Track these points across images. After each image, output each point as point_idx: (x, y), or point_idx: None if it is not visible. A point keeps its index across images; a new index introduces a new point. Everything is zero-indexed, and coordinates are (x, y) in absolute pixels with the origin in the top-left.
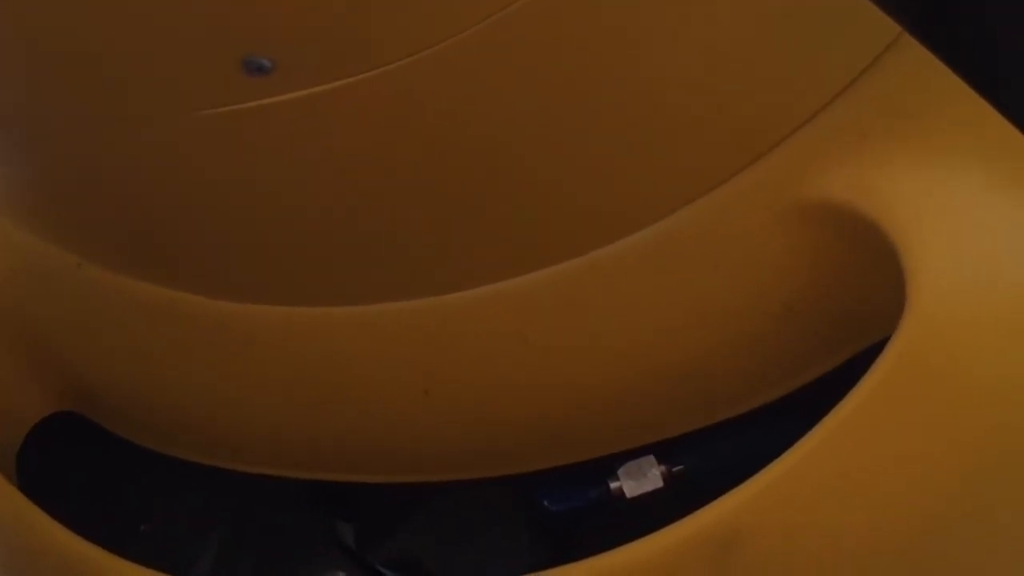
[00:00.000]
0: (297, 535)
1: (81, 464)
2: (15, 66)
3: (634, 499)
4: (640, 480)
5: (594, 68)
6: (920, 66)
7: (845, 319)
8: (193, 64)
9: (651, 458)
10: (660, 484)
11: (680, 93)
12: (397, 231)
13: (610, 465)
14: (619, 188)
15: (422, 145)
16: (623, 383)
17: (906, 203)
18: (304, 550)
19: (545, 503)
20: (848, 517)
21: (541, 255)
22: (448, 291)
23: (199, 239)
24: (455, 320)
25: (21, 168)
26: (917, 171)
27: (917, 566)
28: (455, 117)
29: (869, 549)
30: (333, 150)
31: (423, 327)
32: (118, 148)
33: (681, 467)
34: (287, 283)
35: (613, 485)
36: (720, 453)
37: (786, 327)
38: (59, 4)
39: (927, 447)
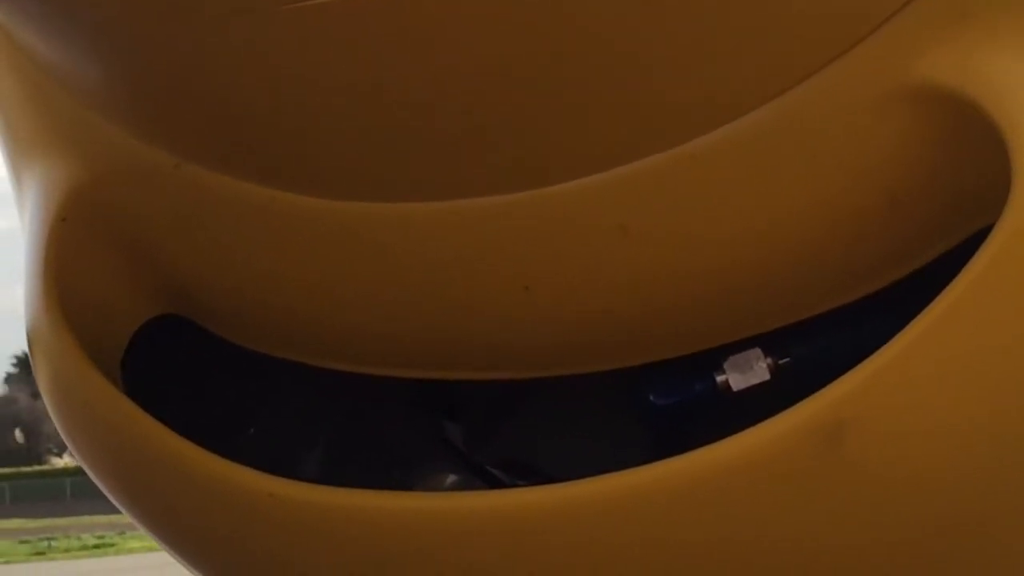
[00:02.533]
0: (405, 436)
1: (185, 367)
2: None
3: (740, 392)
4: (746, 373)
5: None
6: None
7: (950, 205)
8: None
9: (757, 350)
10: (767, 377)
11: None
12: (496, 122)
13: (716, 358)
14: (718, 74)
15: (519, 32)
16: (726, 274)
17: (1010, 84)
18: (412, 451)
19: (651, 397)
20: (954, 403)
21: (641, 145)
22: (548, 183)
23: (296, 135)
24: (555, 213)
25: (121, 69)
26: (1022, 51)
27: None
28: (538, 5)
29: (976, 434)
30: (428, 42)
31: (523, 221)
32: (213, 45)
33: (788, 359)
34: (386, 178)
35: (719, 378)
36: (826, 344)
37: (890, 214)
38: None
39: None
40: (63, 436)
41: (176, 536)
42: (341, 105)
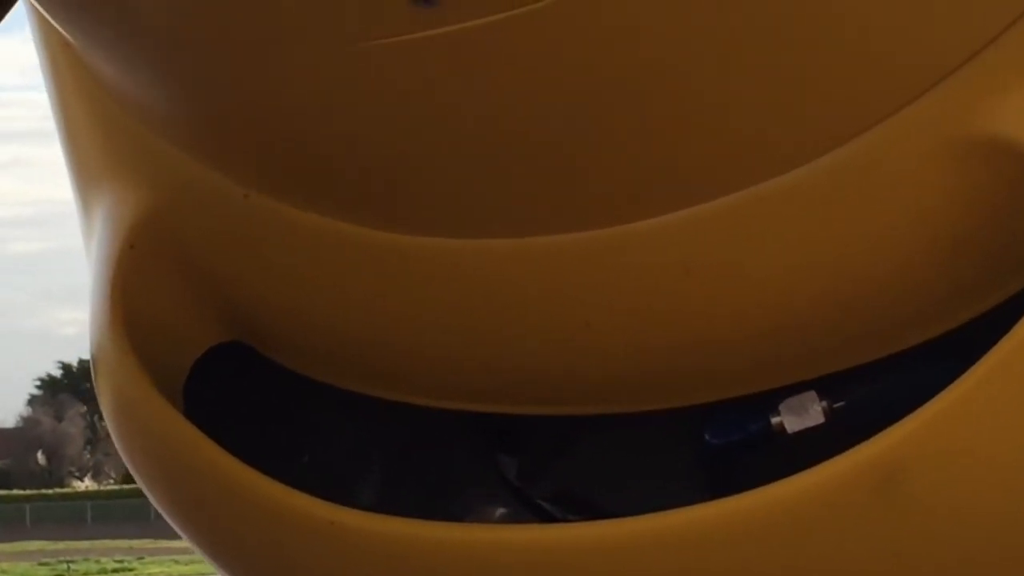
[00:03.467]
0: (459, 468)
1: (246, 394)
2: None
3: (795, 434)
4: (801, 415)
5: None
6: None
7: (1010, 254)
8: None
9: (812, 393)
10: (821, 419)
11: (851, 21)
12: (564, 162)
13: (772, 400)
14: (787, 119)
15: (591, 75)
16: (786, 316)
17: None
18: (466, 483)
19: (707, 436)
20: (1010, 449)
21: (706, 187)
22: (613, 223)
23: (366, 170)
24: (619, 252)
25: (195, 96)
26: None
27: None
28: (622, 45)
29: None
30: (498, 83)
31: (587, 259)
32: (289, 76)
33: (843, 403)
34: (453, 214)
35: (774, 420)
36: (883, 389)
37: (951, 262)
38: None
39: None
40: (124, 458)
41: (232, 559)
42: (416, 142)
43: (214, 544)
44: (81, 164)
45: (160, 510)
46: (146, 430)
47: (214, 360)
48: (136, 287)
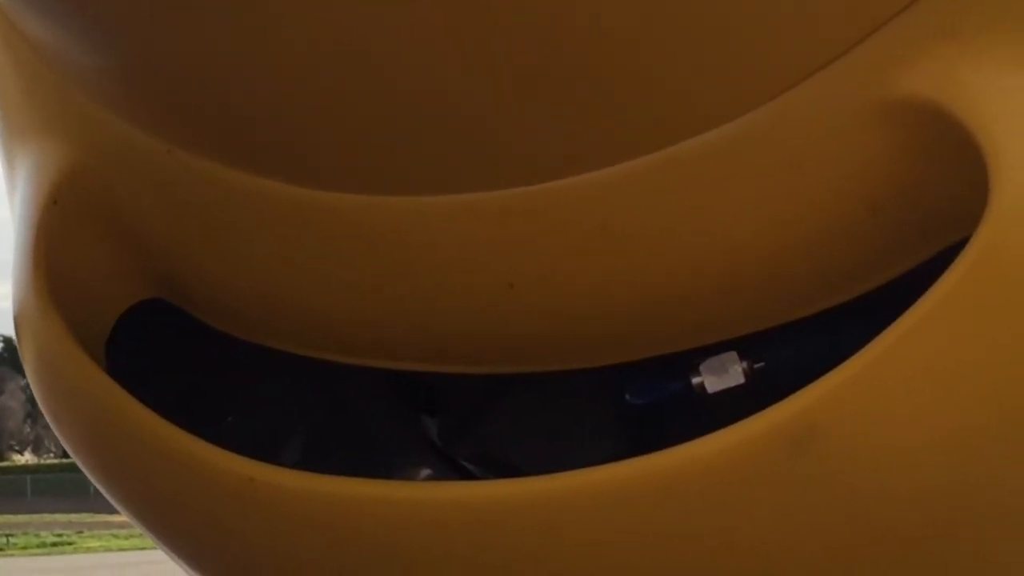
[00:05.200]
0: (383, 428)
1: (169, 352)
2: None
3: (715, 394)
4: (721, 375)
5: None
6: None
7: (928, 216)
8: None
9: (733, 354)
10: (741, 380)
11: None
12: (483, 119)
13: (692, 360)
14: (705, 80)
15: (509, 30)
16: (705, 277)
17: (991, 101)
18: (389, 444)
19: (627, 396)
20: (923, 413)
21: (628, 147)
22: (533, 182)
23: (284, 125)
24: (540, 211)
25: (115, 53)
26: (1005, 70)
27: (994, 461)
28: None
29: (945, 445)
30: (416, 34)
31: (508, 218)
32: (211, 28)
33: (762, 363)
34: (374, 170)
35: (695, 380)
36: (802, 350)
37: (869, 224)
38: None
39: (1007, 343)
40: (47, 416)
41: (155, 518)
42: (334, 96)
43: (137, 504)
44: (5, 121)
45: (83, 468)
46: (69, 387)
47: (137, 317)
48: (59, 244)
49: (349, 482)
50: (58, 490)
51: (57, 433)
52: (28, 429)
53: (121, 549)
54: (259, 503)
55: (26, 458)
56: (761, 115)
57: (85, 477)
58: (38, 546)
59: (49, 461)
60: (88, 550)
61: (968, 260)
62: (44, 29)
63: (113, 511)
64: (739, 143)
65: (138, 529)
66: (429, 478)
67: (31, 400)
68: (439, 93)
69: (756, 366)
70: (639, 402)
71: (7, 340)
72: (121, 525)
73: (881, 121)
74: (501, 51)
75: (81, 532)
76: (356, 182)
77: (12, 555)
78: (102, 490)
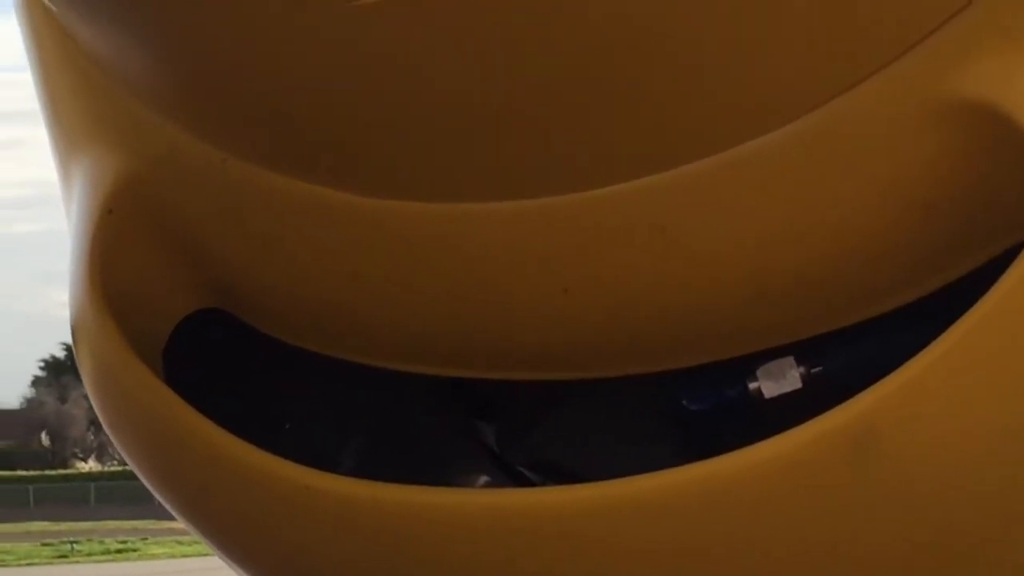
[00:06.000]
0: (439, 436)
1: (225, 360)
2: None
3: (772, 399)
4: (779, 380)
5: None
6: None
7: (984, 219)
8: None
9: (790, 359)
10: (799, 385)
11: None
12: (538, 126)
13: (749, 365)
14: (762, 83)
15: (562, 38)
16: (761, 281)
17: None
18: (446, 451)
19: (684, 402)
20: (983, 415)
21: (681, 151)
22: (590, 187)
23: (345, 132)
24: (596, 216)
25: (172, 61)
26: None
27: None
28: (594, 5)
29: (1005, 445)
30: (469, 45)
31: (563, 224)
32: (270, 37)
33: (820, 368)
34: (428, 177)
35: (752, 385)
36: (860, 354)
37: (926, 226)
38: None
39: None
40: (104, 425)
41: (211, 525)
42: (393, 104)
43: (194, 511)
44: (62, 130)
45: (141, 476)
46: (126, 396)
47: (194, 326)
48: (115, 253)
49: (406, 489)
50: (122, 497)
51: (115, 441)
52: (91, 437)
53: (184, 555)
54: (316, 511)
55: (90, 465)
56: (817, 118)
57: None
58: (102, 552)
59: (113, 468)
60: (152, 557)
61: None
62: (99, 37)
63: (175, 518)
64: (795, 146)
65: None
66: (487, 485)
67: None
68: (493, 100)
69: (813, 371)
70: (696, 408)
71: (71, 349)
72: (184, 532)
73: (937, 123)
74: (556, 56)
75: (145, 539)
76: (410, 189)
77: (77, 562)
78: (159, 498)
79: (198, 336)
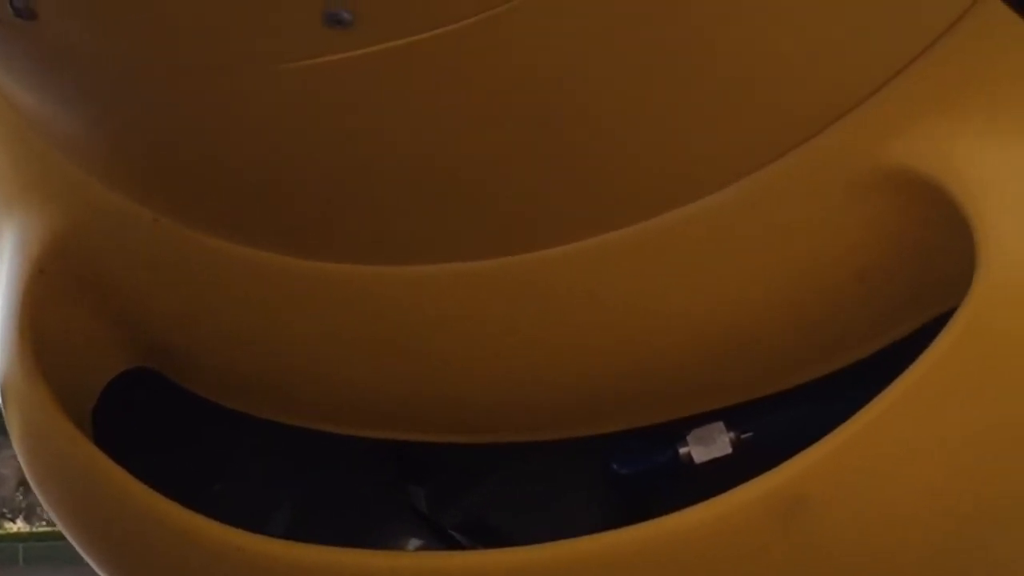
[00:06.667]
0: (370, 497)
1: (156, 420)
2: (105, 17)
3: (702, 464)
4: (709, 445)
5: (667, 29)
6: (998, 33)
7: (916, 287)
8: (273, 14)
9: (720, 424)
10: (729, 450)
11: (752, 54)
12: (474, 190)
13: (680, 430)
14: (691, 151)
15: (502, 101)
16: (693, 347)
17: (979, 172)
18: (377, 513)
19: (614, 466)
20: (914, 483)
21: (613, 216)
22: (522, 251)
23: (276, 195)
24: (528, 280)
25: (102, 119)
26: (992, 140)
27: (986, 533)
28: (534, 73)
29: (933, 516)
30: (412, 106)
31: (497, 287)
32: (199, 99)
33: (750, 433)
34: (363, 240)
35: (682, 450)
36: (790, 420)
37: (858, 295)
38: None
39: (995, 416)
40: (33, 485)
41: None
42: (324, 168)
43: (125, 573)
44: None
45: (70, 537)
46: (55, 456)
47: (124, 386)
48: (45, 312)
49: (337, 552)
50: (50, 557)
51: (44, 502)
52: (20, 497)
53: None
54: (247, 573)
55: (18, 526)
56: (749, 184)
57: None
58: None
59: (42, 529)
60: None
61: (955, 332)
62: (31, 97)
63: None
64: (727, 212)
65: None
66: (418, 548)
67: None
68: (427, 164)
69: (744, 436)
70: (626, 472)
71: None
72: None
73: (868, 193)
74: (492, 121)
75: None
76: (343, 252)
77: None
78: (88, 559)
79: (129, 396)
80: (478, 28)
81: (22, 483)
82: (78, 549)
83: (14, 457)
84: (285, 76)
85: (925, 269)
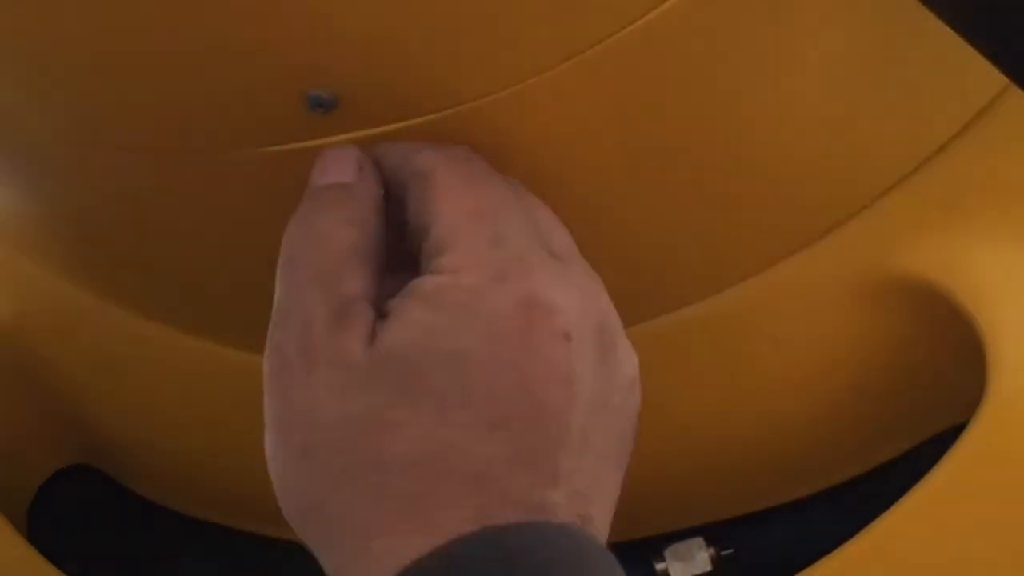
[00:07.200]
0: None
1: (96, 520)
2: (57, 91)
3: None
4: (687, 562)
5: (656, 129)
6: (1011, 136)
7: (919, 402)
8: (252, 96)
9: (700, 540)
10: (708, 568)
11: (751, 157)
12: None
13: (657, 546)
14: (687, 255)
15: None
16: (673, 460)
17: (990, 282)
18: None
19: None
20: None
21: None
22: None
23: (231, 281)
24: None
25: (44, 199)
26: (1004, 248)
27: None
28: (523, 166)
29: None
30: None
31: None
32: (162, 186)
33: (731, 551)
34: None
35: (659, 567)
36: (773, 537)
37: (854, 411)
38: (114, 26)
39: (1001, 542)
40: None
41: None
42: (272, 258)
43: None
44: None
45: None
46: None
47: (63, 483)
48: None
49: None
50: None
51: None
52: None
53: None
54: None
55: None
56: (741, 291)
57: None
58: None
59: None
60: None
61: (961, 452)
62: None
63: None
64: (717, 319)
65: None
66: None
67: None
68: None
69: (723, 553)
70: None
71: None
72: None
73: (869, 302)
74: None
75: None
76: None
77: None
78: None
79: (68, 493)
80: (464, 114)
81: None
82: None
83: None
84: (264, 159)
85: (930, 384)
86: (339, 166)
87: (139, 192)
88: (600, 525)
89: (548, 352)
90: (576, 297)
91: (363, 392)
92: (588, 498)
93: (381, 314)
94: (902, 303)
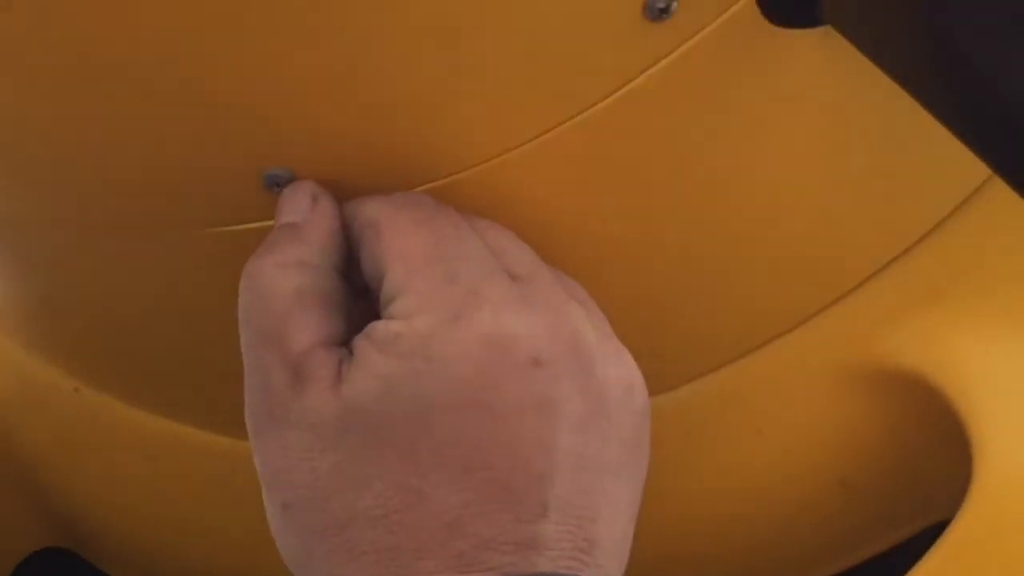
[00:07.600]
0: None
1: None
2: (15, 174)
3: None
4: None
5: (631, 213)
6: (997, 223)
7: (904, 495)
8: (210, 176)
9: None
10: None
11: (733, 239)
12: None
13: None
14: (660, 340)
15: None
16: (646, 551)
17: (975, 372)
18: None
19: None
20: None
21: None
22: None
23: (207, 367)
24: None
25: (15, 280)
26: (990, 337)
27: None
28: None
29: None
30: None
31: None
32: (123, 265)
33: None
34: None
35: None
36: None
37: (839, 505)
38: (70, 106)
39: None
40: None
41: None
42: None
43: None
44: None
45: None
46: None
47: (36, 567)
48: None
49: None
50: None
51: None
52: None
53: None
54: None
55: None
56: (721, 377)
57: None
58: None
59: None
60: None
61: (946, 548)
62: None
63: None
64: (696, 407)
65: None
66: None
67: None
68: None
69: None
70: None
71: None
72: None
73: (855, 388)
74: None
75: None
76: None
77: None
78: None
79: None
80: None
81: None
82: None
83: None
84: (221, 239)
85: (913, 476)
86: (291, 203)
87: (96, 273)
88: (607, 545)
89: (514, 384)
90: (541, 317)
91: (332, 450)
92: (591, 519)
93: (350, 348)
94: (886, 391)
